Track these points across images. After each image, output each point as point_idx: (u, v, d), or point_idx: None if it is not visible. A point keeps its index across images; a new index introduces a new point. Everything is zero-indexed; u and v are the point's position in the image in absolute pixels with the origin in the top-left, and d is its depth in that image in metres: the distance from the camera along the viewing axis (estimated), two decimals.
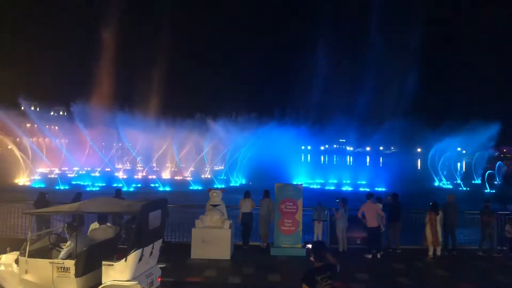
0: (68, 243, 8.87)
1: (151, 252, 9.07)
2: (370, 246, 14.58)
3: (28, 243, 8.72)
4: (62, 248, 8.94)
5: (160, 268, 9.67)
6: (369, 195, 15.05)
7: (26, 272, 8.59)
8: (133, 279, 8.33)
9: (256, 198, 15.85)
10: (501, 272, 12.93)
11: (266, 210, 15.48)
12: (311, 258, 6.14)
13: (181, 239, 15.85)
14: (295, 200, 14.79)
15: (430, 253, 14.48)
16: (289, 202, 14.78)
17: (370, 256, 14.32)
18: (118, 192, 15.86)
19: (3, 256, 9.10)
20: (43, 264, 8.56)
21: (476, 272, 13.05)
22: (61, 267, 8.47)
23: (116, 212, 10.22)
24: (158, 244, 9.40)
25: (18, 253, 8.81)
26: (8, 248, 9.34)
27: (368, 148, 79.95)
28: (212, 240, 13.77)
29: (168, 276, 10.85)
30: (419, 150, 79.53)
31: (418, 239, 15.38)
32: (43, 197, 15.06)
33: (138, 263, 8.46)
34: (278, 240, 14.71)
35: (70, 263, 8.45)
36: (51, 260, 8.62)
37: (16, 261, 8.71)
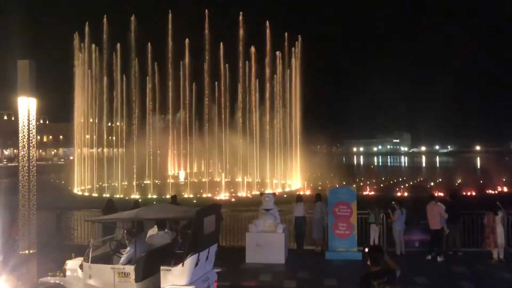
0: (128, 249, 9.19)
1: (207, 257, 9.22)
2: (431, 248, 14.18)
3: (91, 249, 9.13)
4: (123, 254, 9.27)
5: (216, 272, 9.80)
6: (431, 196, 14.59)
7: (90, 277, 8.99)
8: (190, 283, 8.49)
9: None
10: None
11: (319, 214, 15.34)
12: (368, 262, 6.02)
13: (235, 243, 16.04)
14: (349, 203, 14.56)
15: (495, 255, 13.77)
16: (343, 205, 14.57)
17: (429, 257, 13.93)
18: (174, 199, 16.28)
19: (69, 262, 9.58)
20: (105, 269, 8.93)
21: None
22: (122, 272, 8.79)
23: (172, 218, 10.51)
24: (213, 248, 9.55)
25: (82, 259, 9.25)
26: (73, 254, 9.83)
27: None
28: (266, 244, 13.80)
29: (224, 281, 10.99)
30: None
31: (480, 241, 14.68)
32: (111, 204, 15.56)
33: (195, 267, 8.62)
34: (333, 244, 14.53)
35: (130, 268, 8.75)
36: (112, 266, 8.97)
37: (81, 267, 9.15)
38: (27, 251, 9.92)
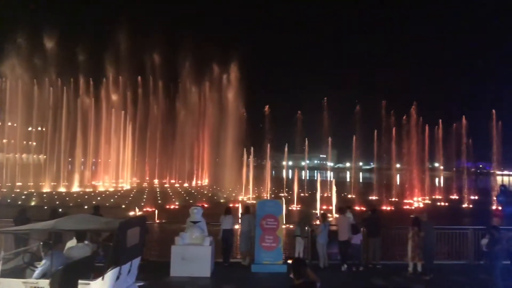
0: (43, 261, 8.67)
1: (129, 270, 8.92)
2: (343, 259, 14.94)
3: (1, 262, 8.49)
4: (37, 267, 8.72)
5: (139, 286, 9.51)
6: (341, 209, 15.69)
7: None
8: None
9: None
10: (475, 286, 13.06)
11: (246, 226, 15.39)
12: (291, 275, 6.11)
13: (161, 257, 15.64)
14: (276, 216, 14.76)
15: (410, 268, 14.53)
16: (270, 218, 14.74)
17: (343, 268, 14.73)
18: (96, 209, 15.60)
19: None
20: (16, 284, 8.33)
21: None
22: (35, 287, 8.25)
23: (93, 229, 10.04)
24: (136, 261, 9.26)
25: None
26: None
27: None
28: (192, 257, 13.59)
29: None
30: None
31: (399, 254, 15.47)
32: (23, 214, 14.63)
33: (116, 281, 8.31)
34: (259, 256, 14.61)
35: (45, 283, 8.24)
36: (24, 280, 8.40)
37: None
38: None
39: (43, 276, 8.46)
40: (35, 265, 8.96)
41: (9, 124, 49.72)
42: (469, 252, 15.94)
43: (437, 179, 66.01)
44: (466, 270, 15.03)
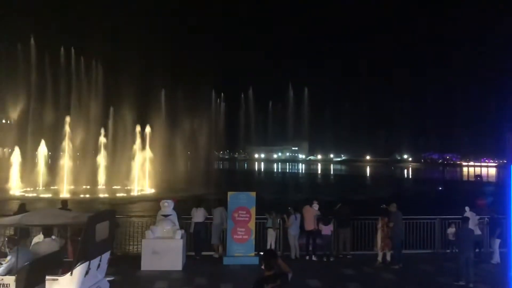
0: (8, 258, 8.44)
1: (99, 265, 8.78)
2: (313, 249, 15.29)
3: None
4: (2, 264, 8.49)
5: (109, 281, 9.38)
6: (307, 200, 16.36)
7: None
8: None
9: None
10: (443, 274, 13.45)
11: (218, 219, 15.37)
12: (262, 267, 6.13)
13: (132, 251, 15.49)
14: (248, 208, 14.79)
15: (379, 258, 14.82)
16: (242, 211, 14.76)
17: (307, 257, 15.15)
18: (64, 203, 15.25)
19: None
20: None
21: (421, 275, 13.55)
22: (1, 284, 8.03)
23: (61, 224, 9.81)
24: (106, 256, 9.12)
25: None
26: None
27: None
28: (163, 251, 13.48)
29: None
30: None
31: (369, 244, 15.75)
32: None
33: (85, 276, 8.17)
34: (231, 249, 14.63)
35: (11, 279, 8.03)
36: None
37: None
38: None
39: (9, 272, 8.24)
40: (0, 261, 8.72)
41: None
42: (436, 241, 16.40)
43: None
44: (433, 258, 15.45)
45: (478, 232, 14.75)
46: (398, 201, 15.15)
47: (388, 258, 14.65)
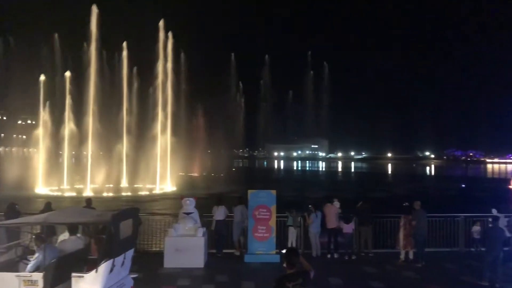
0: (36, 255, 8.64)
1: (123, 262, 8.92)
2: (335, 247, 15.21)
3: None
4: (30, 261, 8.70)
5: (133, 278, 9.51)
6: (328, 198, 16.18)
7: None
8: None
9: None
10: (466, 273, 13.24)
11: (239, 217, 15.45)
12: (284, 265, 6.16)
13: (155, 248, 15.70)
14: (268, 206, 14.82)
15: (402, 256, 14.68)
16: (263, 209, 14.80)
17: (329, 256, 15.10)
18: (88, 202, 15.54)
19: None
20: (9, 278, 8.29)
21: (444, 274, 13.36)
22: (29, 280, 8.22)
23: (85, 222, 10.00)
24: (130, 253, 9.25)
25: None
26: None
27: None
28: (186, 248, 13.63)
29: (141, 286, 10.69)
30: None
31: (391, 243, 15.61)
32: (12, 207, 14.54)
33: (109, 274, 8.30)
34: (252, 247, 14.69)
35: (38, 276, 8.22)
36: (17, 274, 8.37)
37: None
38: None
39: (36, 269, 8.43)
40: (28, 258, 8.94)
41: None
42: (460, 240, 16.15)
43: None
44: (457, 257, 15.23)
45: (507, 234, 14.45)
46: (420, 199, 14.97)
47: (411, 256, 14.50)
